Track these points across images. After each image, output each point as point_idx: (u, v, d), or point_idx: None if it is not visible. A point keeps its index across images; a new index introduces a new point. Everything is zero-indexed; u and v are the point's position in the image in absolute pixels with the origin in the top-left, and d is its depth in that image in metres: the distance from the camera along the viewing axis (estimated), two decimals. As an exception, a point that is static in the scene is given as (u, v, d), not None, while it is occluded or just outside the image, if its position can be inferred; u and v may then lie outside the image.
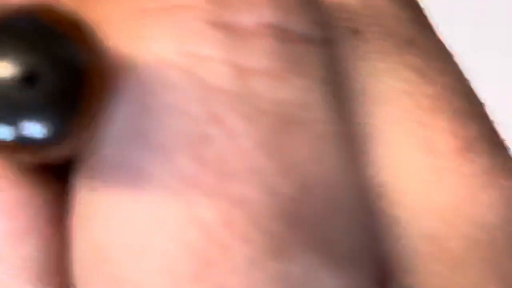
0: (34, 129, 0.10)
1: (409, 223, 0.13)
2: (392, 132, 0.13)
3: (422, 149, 0.13)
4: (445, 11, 0.39)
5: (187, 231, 0.11)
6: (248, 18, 0.11)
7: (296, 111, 0.11)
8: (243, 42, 0.11)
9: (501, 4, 0.39)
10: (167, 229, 0.11)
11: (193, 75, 0.11)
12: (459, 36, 0.38)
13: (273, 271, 0.11)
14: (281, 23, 0.12)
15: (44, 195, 0.12)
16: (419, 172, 0.13)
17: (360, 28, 0.13)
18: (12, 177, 0.12)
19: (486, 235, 0.13)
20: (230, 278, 0.11)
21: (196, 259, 0.11)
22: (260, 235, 0.11)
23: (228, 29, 0.11)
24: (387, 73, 0.13)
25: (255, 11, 0.12)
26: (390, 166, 0.13)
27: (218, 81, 0.11)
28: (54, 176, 0.12)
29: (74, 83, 0.10)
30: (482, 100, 0.14)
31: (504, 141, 0.14)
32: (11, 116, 0.10)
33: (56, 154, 0.10)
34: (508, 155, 0.14)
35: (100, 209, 0.11)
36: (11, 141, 0.10)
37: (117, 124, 0.11)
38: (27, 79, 0.10)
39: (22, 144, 0.10)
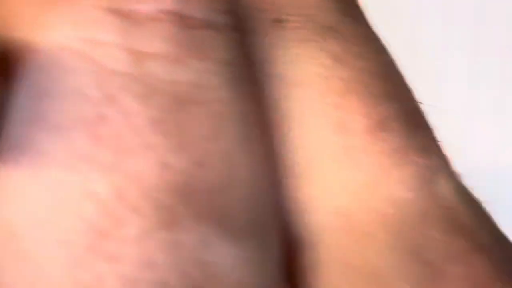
0: None
1: (320, 200, 0.13)
2: (307, 114, 0.13)
3: (335, 130, 0.13)
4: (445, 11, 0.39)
5: (83, 205, 0.12)
6: (147, 6, 0.12)
7: (193, 91, 0.12)
8: (140, 28, 0.12)
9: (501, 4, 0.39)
10: (64, 204, 0.12)
11: (91, 59, 0.12)
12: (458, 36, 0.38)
13: (165, 241, 0.12)
14: (181, 10, 0.12)
15: None
16: (331, 151, 0.13)
17: (283, 17, 0.14)
18: None
19: (396, 210, 0.13)
20: (123, 248, 0.11)
21: (91, 231, 0.11)
22: (152, 207, 0.12)
23: (125, 16, 0.12)
24: (306, 59, 0.14)
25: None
26: (304, 146, 0.13)
27: (114, 64, 0.12)
28: None
29: None
30: (407, 84, 0.15)
31: (427, 122, 0.15)
32: None
33: None
34: (427, 135, 0.14)
35: (6, 187, 0.12)
36: None
37: (19, 108, 0.12)
38: None
39: None
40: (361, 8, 0.15)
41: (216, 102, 0.12)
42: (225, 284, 0.12)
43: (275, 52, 0.14)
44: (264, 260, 0.12)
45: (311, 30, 0.14)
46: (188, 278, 0.12)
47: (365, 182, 0.13)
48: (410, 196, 0.13)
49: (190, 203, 0.12)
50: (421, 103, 0.15)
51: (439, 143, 0.15)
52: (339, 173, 0.13)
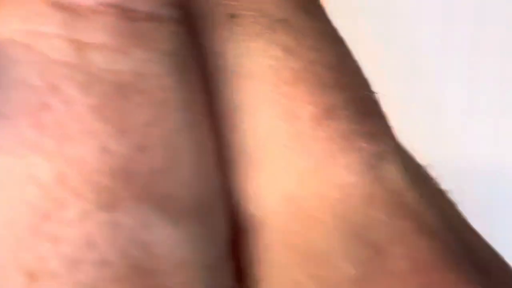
0: None
1: (268, 185, 0.14)
2: (257, 104, 0.14)
3: (284, 118, 0.14)
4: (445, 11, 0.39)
5: (26, 189, 0.12)
6: (89, 0, 0.13)
7: (135, 80, 0.13)
8: (83, 20, 0.13)
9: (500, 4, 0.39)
10: (8, 187, 0.12)
11: (35, 51, 0.13)
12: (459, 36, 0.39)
13: (105, 222, 0.12)
14: (123, 3, 0.13)
15: None
16: (280, 139, 0.14)
17: (238, 12, 0.14)
18: None
19: (341, 194, 0.14)
20: (65, 229, 0.12)
21: (33, 214, 0.12)
22: (92, 190, 0.12)
23: (68, 9, 0.13)
24: (257, 52, 0.14)
25: None
26: (255, 134, 0.14)
27: (57, 55, 0.12)
28: None
29: None
30: (362, 75, 0.15)
31: (379, 111, 0.15)
32: None
33: None
34: (377, 122, 0.15)
35: None
36: None
37: None
38: None
39: None
40: (318, 3, 0.16)
41: (157, 90, 0.13)
42: (167, 262, 0.12)
43: (229, 46, 0.14)
44: (207, 241, 0.13)
45: (264, 24, 0.14)
46: (129, 257, 0.12)
47: (312, 168, 0.14)
48: (355, 180, 0.14)
49: (130, 186, 0.12)
50: (375, 93, 0.15)
51: (390, 130, 0.15)
52: (286, 159, 0.14)
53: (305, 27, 0.15)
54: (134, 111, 0.13)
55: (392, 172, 0.14)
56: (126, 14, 0.13)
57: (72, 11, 0.13)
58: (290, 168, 0.14)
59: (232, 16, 0.14)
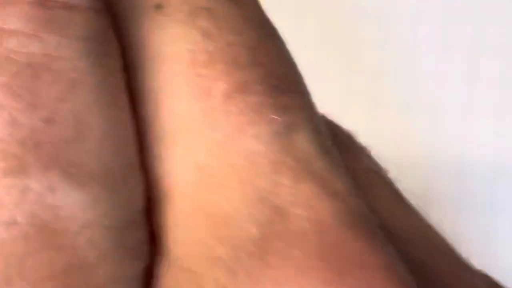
0: None
1: (182, 158, 0.15)
2: (175, 85, 0.15)
3: (198, 97, 0.15)
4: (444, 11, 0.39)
5: None
6: None
7: (47, 61, 0.14)
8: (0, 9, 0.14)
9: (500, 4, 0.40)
10: None
11: None
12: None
13: (13, 186, 0.13)
14: None
15: None
16: (194, 116, 0.15)
17: (163, 3, 0.15)
18: None
19: (248, 162, 0.14)
20: None
21: None
22: (1, 157, 0.13)
23: None
24: (178, 38, 0.15)
25: None
26: (172, 113, 0.15)
27: None
28: None
29: None
30: (285, 55, 0.16)
31: (298, 86, 0.16)
32: None
33: None
34: (292, 96, 0.15)
35: None
36: None
37: None
38: None
39: None
40: None
41: (69, 71, 0.14)
42: (73, 223, 0.14)
43: (153, 34, 0.15)
44: (115, 205, 0.14)
45: (186, 12, 0.15)
46: (36, 218, 0.13)
47: (222, 140, 0.15)
48: (263, 149, 0.14)
49: (38, 154, 0.14)
50: (299, 74, 0.16)
51: (307, 105, 0.16)
52: (199, 133, 0.15)
53: (228, 14, 0.15)
54: (45, 88, 0.14)
55: (301, 142, 0.15)
56: (43, 2, 0.14)
57: None
58: (201, 141, 0.15)
59: (157, 6, 0.15)
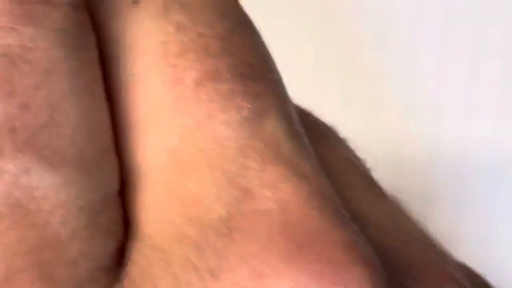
0: None
1: (154, 144, 0.15)
2: (148, 76, 0.16)
3: (170, 85, 0.15)
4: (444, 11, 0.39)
5: None
6: None
7: (24, 52, 0.15)
8: None
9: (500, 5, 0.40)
10: None
11: None
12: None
13: None
14: None
15: None
16: (166, 103, 0.15)
17: None
18: None
19: (218, 147, 0.15)
20: None
21: None
22: None
23: None
24: (152, 31, 0.16)
25: None
26: (145, 101, 0.16)
27: None
28: None
29: None
30: (259, 45, 0.16)
31: (269, 75, 0.16)
32: None
33: None
34: (262, 84, 0.16)
35: None
36: None
37: None
38: None
39: None
40: None
41: (44, 61, 0.15)
42: (46, 203, 0.14)
43: (129, 28, 0.16)
44: (88, 187, 0.15)
45: (161, 6, 0.16)
46: (11, 198, 0.14)
47: (193, 126, 0.15)
48: (232, 134, 0.15)
49: (13, 139, 0.14)
50: (274, 64, 0.16)
51: (279, 93, 0.16)
52: (171, 120, 0.15)
53: (202, 7, 0.16)
54: (21, 77, 0.14)
55: (271, 127, 0.15)
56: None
57: None
58: (173, 127, 0.15)
59: (135, 2, 0.16)
